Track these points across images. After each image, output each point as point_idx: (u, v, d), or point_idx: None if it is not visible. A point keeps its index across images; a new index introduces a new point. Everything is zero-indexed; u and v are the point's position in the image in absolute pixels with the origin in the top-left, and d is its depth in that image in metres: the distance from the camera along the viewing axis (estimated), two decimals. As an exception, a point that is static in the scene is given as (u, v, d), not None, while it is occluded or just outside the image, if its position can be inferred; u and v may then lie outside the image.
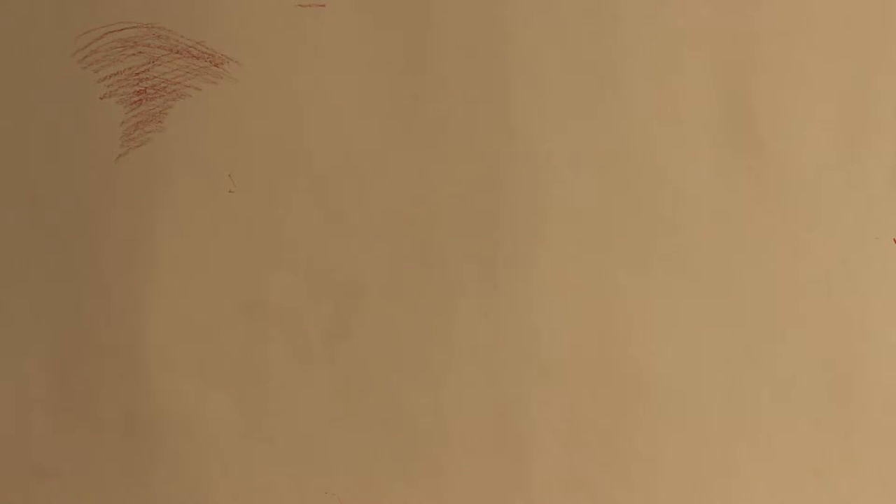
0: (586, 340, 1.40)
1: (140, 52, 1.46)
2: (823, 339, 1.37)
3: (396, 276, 1.43)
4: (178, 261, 1.45)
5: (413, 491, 1.43)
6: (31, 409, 1.47)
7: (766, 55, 1.38)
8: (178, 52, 1.45)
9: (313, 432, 1.44)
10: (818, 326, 1.37)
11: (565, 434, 1.41)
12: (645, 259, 1.39)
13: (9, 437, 1.47)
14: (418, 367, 1.43)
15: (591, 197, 1.40)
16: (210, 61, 1.45)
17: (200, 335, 1.45)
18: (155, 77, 1.45)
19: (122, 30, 1.45)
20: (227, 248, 1.45)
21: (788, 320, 1.37)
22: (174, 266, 1.45)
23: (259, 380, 1.45)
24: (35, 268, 1.46)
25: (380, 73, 1.43)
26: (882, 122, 1.36)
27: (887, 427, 1.36)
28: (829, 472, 1.37)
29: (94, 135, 1.46)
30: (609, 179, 1.40)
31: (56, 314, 1.46)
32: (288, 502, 1.44)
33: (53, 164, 1.46)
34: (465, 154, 1.42)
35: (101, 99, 1.46)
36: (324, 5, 1.44)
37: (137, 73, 1.46)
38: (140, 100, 1.45)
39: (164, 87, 1.45)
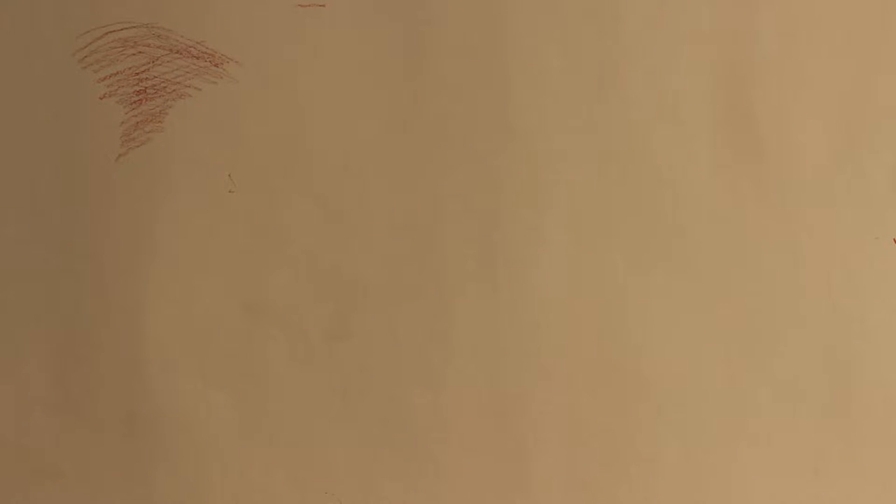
0: (586, 340, 1.40)
1: (140, 52, 1.46)
2: (823, 339, 1.37)
3: (396, 277, 1.43)
4: (178, 261, 1.45)
5: (413, 491, 1.43)
6: (31, 409, 1.47)
7: (766, 55, 1.38)
8: (178, 52, 1.45)
9: (313, 432, 1.44)
10: (818, 326, 1.37)
11: (565, 434, 1.41)
12: (645, 259, 1.39)
13: (9, 437, 1.47)
14: (418, 367, 1.43)
15: (591, 197, 1.40)
16: (210, 61, 1.45)
17: (200, 335, 1.45)
18: (155, 77, 1.45)
19: (122, 30, 1.45)
20: (227, 248, 1.45)
21: (788, 320, 1.37)
22: (174, 266, 1.45)
23: (259, 380, 1.45)
24: (35, 268, 1.46)
25: (380, 73, 1.43)
26: (882, 122, 1.36)
27: (887, 427, 1.36)
28: (829, 472, 1.37)
29: (94, 135, 1.46)
30: (609, 179, 1.40)
31: (56, 314, 1.46)
32: (288, 502, 1.44)
33: (53, 164, 1.46)
34: (465, 154, 1.42)
35: (101, 99, 1.46)
36: (324, 5, 1.44)
37: (137, 73, 1.46)
38: (140, 100, 1.45)
39: (164, 87, 1.45)
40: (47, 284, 1.46)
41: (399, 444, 1.43)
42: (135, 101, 1.45)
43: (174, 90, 1.45)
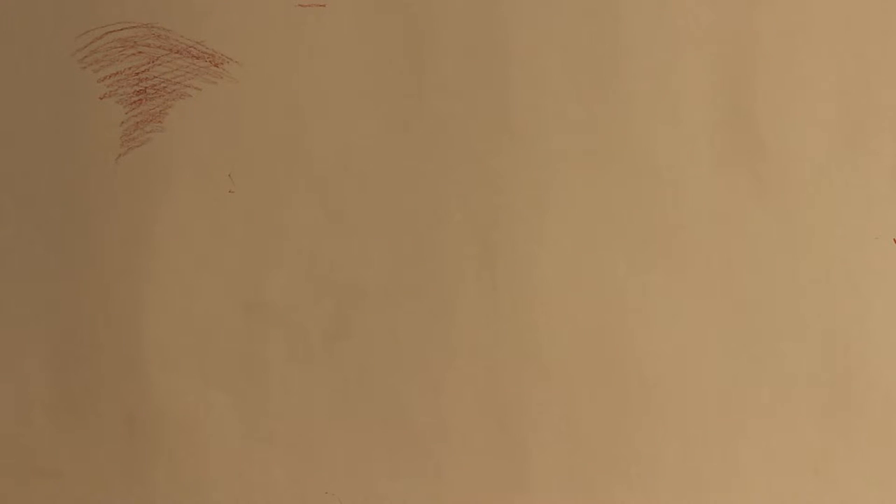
0: (586, 340, 1.40)
1: (140, 52, 1.46)
2: (823, 339, 1.37)
3: (396, 276, 1.43)
4: (178, 261, 1.45)
5: (413, 491, 1.43)
6: (31, 409, 1.47)
7: (766, 55, 1.38)
8: (178, 52, 1.45)
9: (313, 432, 1.44)
10: (818, 326, 1.37)
11: (565, 434, 1.41)
12: (645, 258, 1.39)
13: (9, 437, 1.47)
14: (418, 367, 1.43)
15: (591, 197, 1.40)
16: (210, 61, 1.45)
17: (200, 335, 1.45)
18: (155, 77, 1.45)
19: (122, 30, 1.46)
20: (227, 248, 1.45)
21: (788, 320, 1.37)
22: (174, 266, 1.45)
23: (259, 380, 1.45)
24: (35, 268, 1.46)
25: (380, 73, 1.43)
26: (882, 122, 1.36)
27: (887, 427, 1.36)
28: (829, 471, 1.37)
29: (94, 135, 1.46)
30: (609, 179, 1.40)
31: (56, 314, 1.46)
32: (288, 502, 1.44)
33: (53, 164, 1.46)
34: (465, 154, 1.42)
35: (101, 99, 1.46)
36: (324, 5, 1.44)
37: (137, 73, 1.46)
38: (140, 100, 1.45)
39: (164, 87, 1.45)
40: (47, 284, 1.46)
41: (399, 444, 1.43)
42: (135, 101, 1.45)
43: (174, 90, 1.45)
